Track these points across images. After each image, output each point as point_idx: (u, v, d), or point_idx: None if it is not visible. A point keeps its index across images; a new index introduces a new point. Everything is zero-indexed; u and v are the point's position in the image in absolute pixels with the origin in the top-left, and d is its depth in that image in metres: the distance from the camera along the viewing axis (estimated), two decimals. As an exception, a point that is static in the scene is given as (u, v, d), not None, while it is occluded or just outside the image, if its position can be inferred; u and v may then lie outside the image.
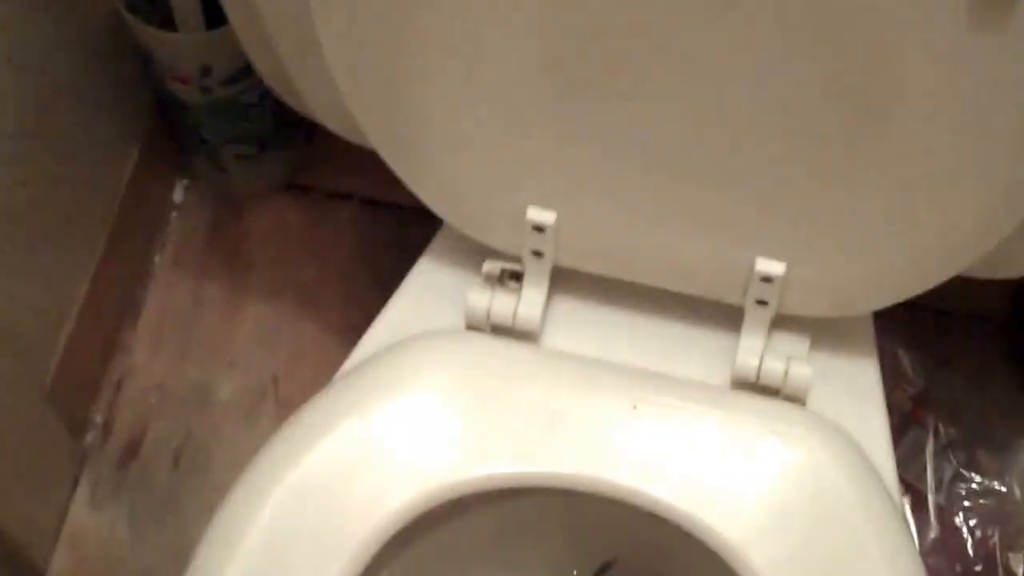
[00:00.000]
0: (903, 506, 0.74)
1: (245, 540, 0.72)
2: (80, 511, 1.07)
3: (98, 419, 1.10)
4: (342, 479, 0.73)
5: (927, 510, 1.01)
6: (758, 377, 0.75)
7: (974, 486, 1.02)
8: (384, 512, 0.73)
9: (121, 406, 1.10)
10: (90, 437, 1.10)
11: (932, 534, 1.00)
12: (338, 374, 0.78)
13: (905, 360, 1.03)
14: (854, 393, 0.77)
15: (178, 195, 1.17)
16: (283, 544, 0.72)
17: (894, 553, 0.72)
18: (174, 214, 1.16)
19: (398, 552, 0.79)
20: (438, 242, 0.81)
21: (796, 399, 0.75)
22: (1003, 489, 1.02)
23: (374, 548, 0.72)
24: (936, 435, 1.03)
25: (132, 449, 1.09)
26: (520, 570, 0.87)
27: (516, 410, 0.74)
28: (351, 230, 1.14)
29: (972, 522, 1.01)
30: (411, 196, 0.75)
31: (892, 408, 0.78)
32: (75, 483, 1.08)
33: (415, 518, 0.73)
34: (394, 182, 0.75)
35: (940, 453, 1.02)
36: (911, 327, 1.04)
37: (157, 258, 1.14)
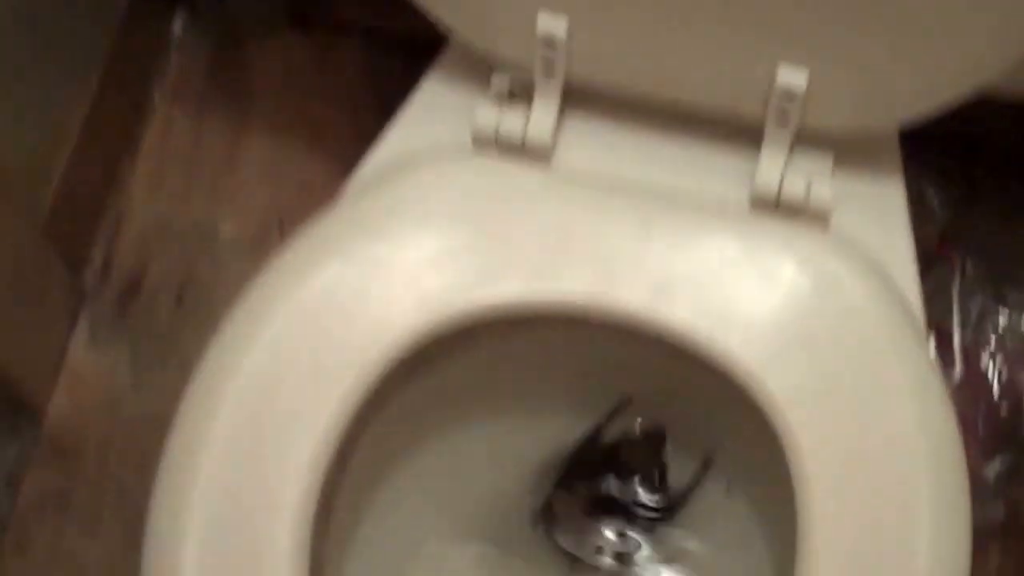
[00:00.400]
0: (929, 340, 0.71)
1: (247, 359, 0.70)
2: (79, 351, 1.05)
3: (97, 257, 1.07)
4: (346, 301, 0.71)
5: (952, 350, 0.98)
6: (778, 197, 0.71)
7: (1001, 325, 0.99)
8: (390, 336, 0.70)
9: (121, 244, 1.07)
10: (89, 276, 1.07)
11: (957, 375, 0.97)
12: (342, 195, 0.75)
13: (930, 195, 0.99)
14: (879, 217, 0.74)
15: (177, 28, 1.12)
16: (285, 365, 0.70)
17: (919, 381, 0.69)
18: (173, 47, 1.12)
19: (405, 384, 0.77)
20: (444, 60, 0.77)
21: (818, 221, 0.72)
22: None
23: (378, 373, 0.70)
24: (962, 272, 0.99)
25: (132, 288, 1.06)
26: (533, 409, 0.84)
27: (525, 233, 0.71)
28: (357, 62, 1.09)
29: (998, 362, 0.98)
30: (418, 23, 0.71)
31: (916, 245, 0.74)
32: (74, 323, 1.06)
33: (422, 344, 0.70)
34: (400, 8, 0.71)
35: (966, 291, 0.99)
36: (936, 161, 1.00)
37: (156, 93, 1.10)
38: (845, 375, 0.68)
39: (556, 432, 0.85)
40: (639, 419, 0.84)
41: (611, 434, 0.85)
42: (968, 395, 0.88)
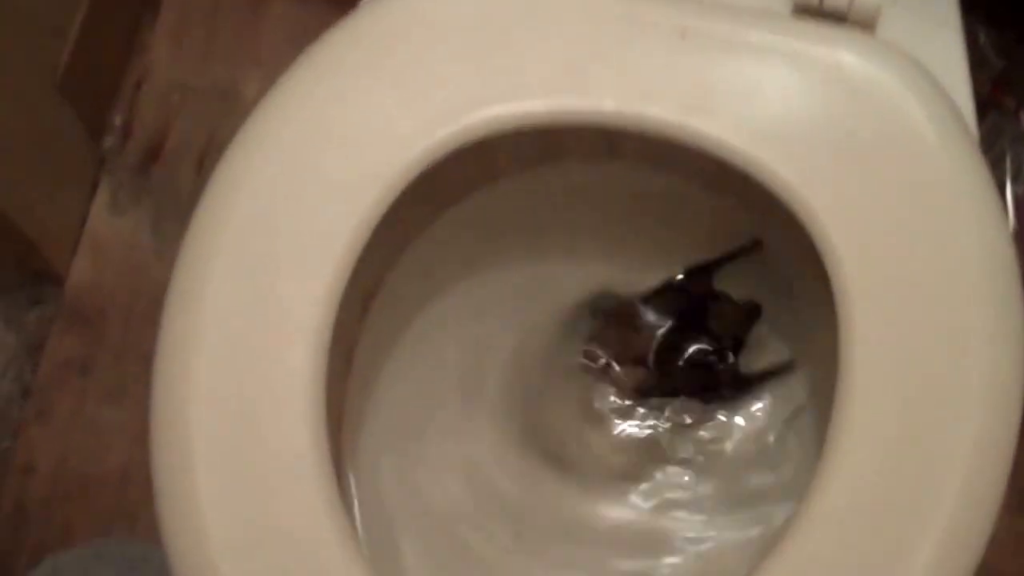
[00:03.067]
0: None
1: (259, 177, 0.65)
2: (100, 217, 1.02)
3: (117, 121, 1.04)
4: (360, 118, 0.66)
5: (1004, 200, 0.93)
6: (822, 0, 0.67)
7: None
8: (409, 150, 0.66)
9: (141, 107, 1.04)
10: (109, 140, 1.04)
11: (1009, 226, 0.92)
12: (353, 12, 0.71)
13: (983, 39, 0.95)
14: (929, 22, 0.69)
15: None
16: (297, 186, 0.65)
17: (972, 194, 0.64)
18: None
19: (430, 221, 0.74)
20: None
21: (865, 25, 0.67)
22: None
23: (398, 188, 0.65)
24: (1017, 121, 0.95)
25: (153, 152, 1.03)
26: (563, 248, 0.81)
27: (551, 45, 0.66)
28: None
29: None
30: None
31: (969, 84, 0.70)
32: (94, 188, 1.03)
33: (442, 158, 0.66)
34: None
35: (1020, 139, 0.94)
36: (988, 5, 0.95)
37: (176, -51, 1.07)
38: (893, 187, 0.63)
39: (587, 276, 0.81)
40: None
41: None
42: (1020, 247, 0.83)
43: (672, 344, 0.81)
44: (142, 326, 1.00)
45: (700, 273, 0.80)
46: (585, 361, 0.81)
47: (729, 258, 0.79)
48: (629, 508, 0.78)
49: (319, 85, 0.67)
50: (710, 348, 0.80)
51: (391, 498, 0.75)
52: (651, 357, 0.81)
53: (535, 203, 0.78)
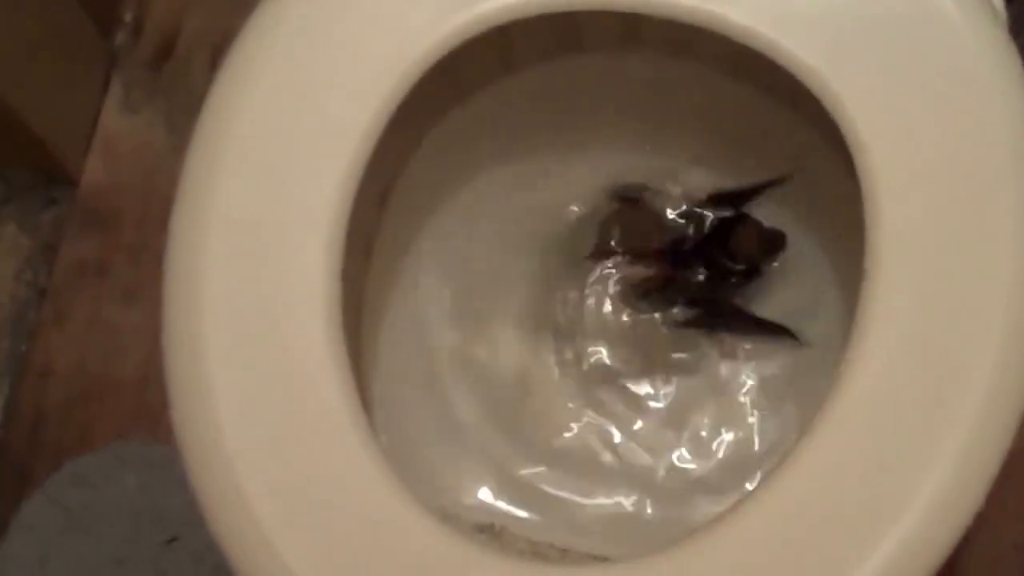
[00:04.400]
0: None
1: (268, 74, 0.64)
2: (112, 116, 1.00)
3: (127, 17, 1.02)
4: (370, 10, 0.64)
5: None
6: None
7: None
8: (422, 43, 0.63)
9: (152, 2, 1.02)
10: (120, 36, 1.02)
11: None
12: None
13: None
14: None
15: None
16: (309, 81, 0.63)
17: (1001, 76, 0.61)
18: None
19: (442, 112, 0.72)
20: None
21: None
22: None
23: (410, 82, 0.63)
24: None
25: (166, 49, 1.01)
26: (579, 152, 0.79)
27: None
28: None
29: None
30: None
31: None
32: (106, 87, 1.01)
33: (454, 47, 0.64)
34: None
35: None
36: None
37: None
38: (919, 72, 0.61)
39: (612, 166, 0.79)
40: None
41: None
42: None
43: (685, 252, 0.79)
44: (158, 226, 0.96)
45: (725, 200, 0.78)
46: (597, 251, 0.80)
47: (757, 190, 0.77)
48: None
49: None
50: (726, 267, 0.79)
51: (411, 397, 0.74)
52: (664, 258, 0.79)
53: (555, 94, 0.76)
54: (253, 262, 0.61)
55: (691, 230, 0.79)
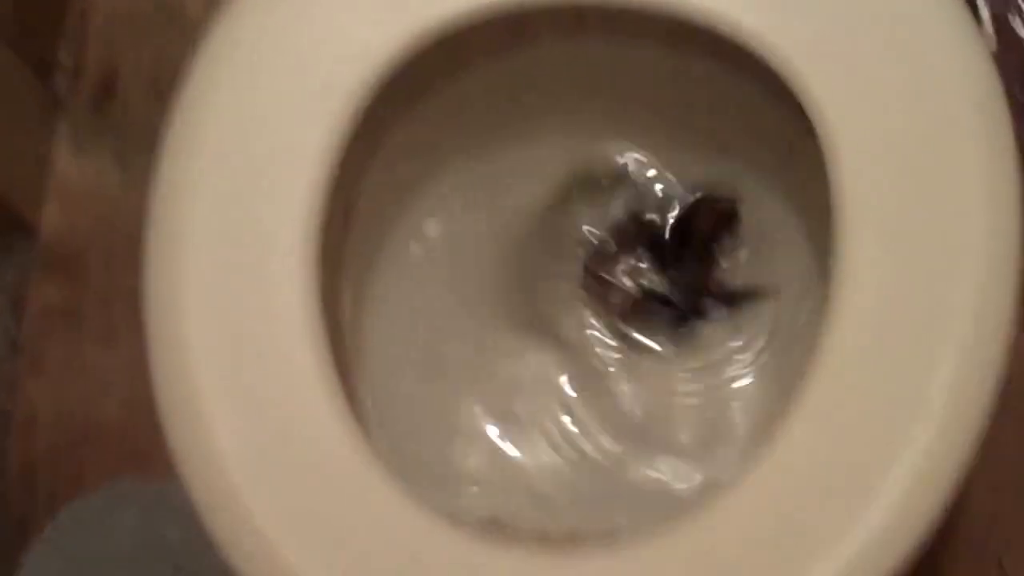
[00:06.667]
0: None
1: (222, 104, 0.65)
2: (63, 159, 1.00)
3: (65, 59, 1.01)
4: (318, 30, 0.65)
5: (980, 22, 0.91)
6: None
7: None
8: (372, 58, 0.65)
9: (88, 41, 1.01)
10: (61, 80, 1.01)
11: (990, 46, 0.90)
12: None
13: None
14: None
15: None
16: (261, 104, 0.65)
17: (950, 24, 0.63)
18: None
19: (397, 118, 0.72)
20: None
21: None
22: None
23: (365, 97, 0.64)
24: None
25: (107, 85, 1.01)
26: (532, 139, 0.79)
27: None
28: None
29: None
30: None
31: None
32: (53, 132, 1.00)
33: (406, 59, 0.65)
34: None
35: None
36: None
37: None
38: (866, 25, 0.62)
39: (572, 154, 0.80)
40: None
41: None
42: (1003, 63, 0.82)
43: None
44: (123, 264, 0.97)
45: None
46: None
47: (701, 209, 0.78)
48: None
49: (267, 7, 0.66)
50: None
51: (402, 405, 0.75)
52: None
53: (509, 88, 0.76)
54: (231, 294, 0.62)
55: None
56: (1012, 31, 0.92)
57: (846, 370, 0.58)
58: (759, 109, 0.71)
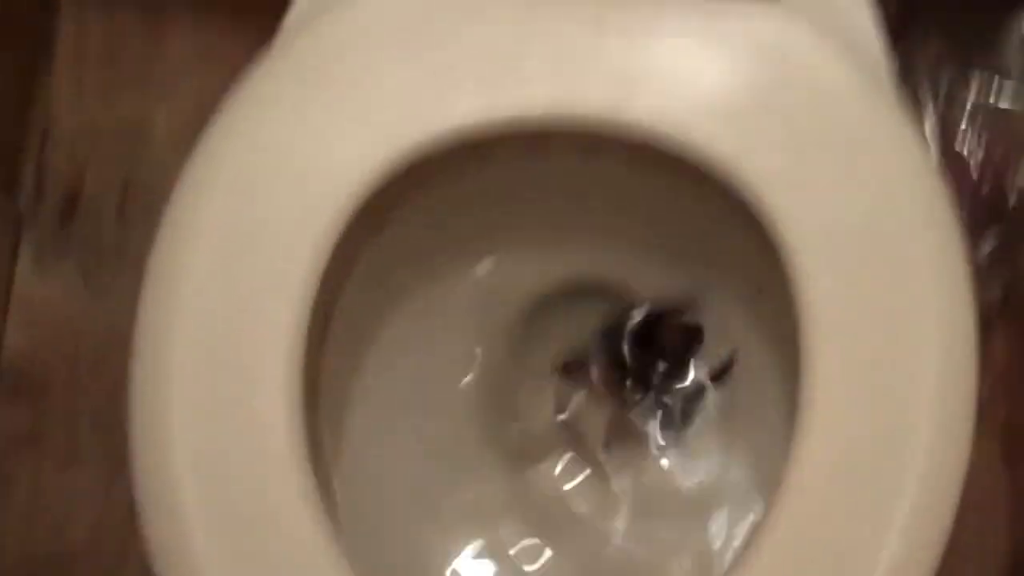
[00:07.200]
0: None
1: (201, 237, 0.64)
2: (26, 279, 0.99)
3: (28, 178, 1.01)
4: (299, 152, 0.65)
5: (923, 136, 0.93)
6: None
7: (971, 100, 0.93)
8: (349, 181, 0.65)
9: (50, 160, 1.01)
10: (22, 199, 1.00)
11: (934, 158, 0.91)
12: (273, 43, 0.69)
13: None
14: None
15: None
16: (243, 233, 0.65)
17: (900, 146, 0.65)
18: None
19: (367, 240, 0.72)
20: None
21: (772, -5, 0.67)
22: (1004, 105, 0.94)
23: (343, 220, 0.64)
24: (925, 43, 0.94)
25: (71, 203, 1.00)
26: (500, 253, 0.80)
27: (472, 45, 0.65)
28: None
29: (973, 140, 0.94)
30: None
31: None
32: (15, 251, 0.99)
33: (386, 181, 0.65)
34: None
35: (932, 68, 0.94)
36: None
37: (59, -8, 1.03)
38: (824, 149, 0.64)
39: (540, 269, 0.80)
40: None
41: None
42: (948, 177, 0.84)
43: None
44: (88, 385, 0.97)
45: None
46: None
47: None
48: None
49: (254, 124, 0.66)
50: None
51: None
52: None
53: (470, 204, 0.77)
54: (216, 417, 0.62)
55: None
56: (955, 149, 0.94)
57: (809, 506, 0.59)
58: (724, 229, 0.72)
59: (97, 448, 0.96)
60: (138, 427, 0.62)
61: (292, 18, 0.69)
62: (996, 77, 0.95)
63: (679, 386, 0.80)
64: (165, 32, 1.02)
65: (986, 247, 0.94)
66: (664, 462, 0.80)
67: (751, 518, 0.76)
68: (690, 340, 0.80)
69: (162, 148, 1.00)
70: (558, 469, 0.81)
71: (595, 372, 0.81)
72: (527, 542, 0.78)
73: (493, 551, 0.77)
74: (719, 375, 0.79)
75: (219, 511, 0.61)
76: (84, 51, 1.02)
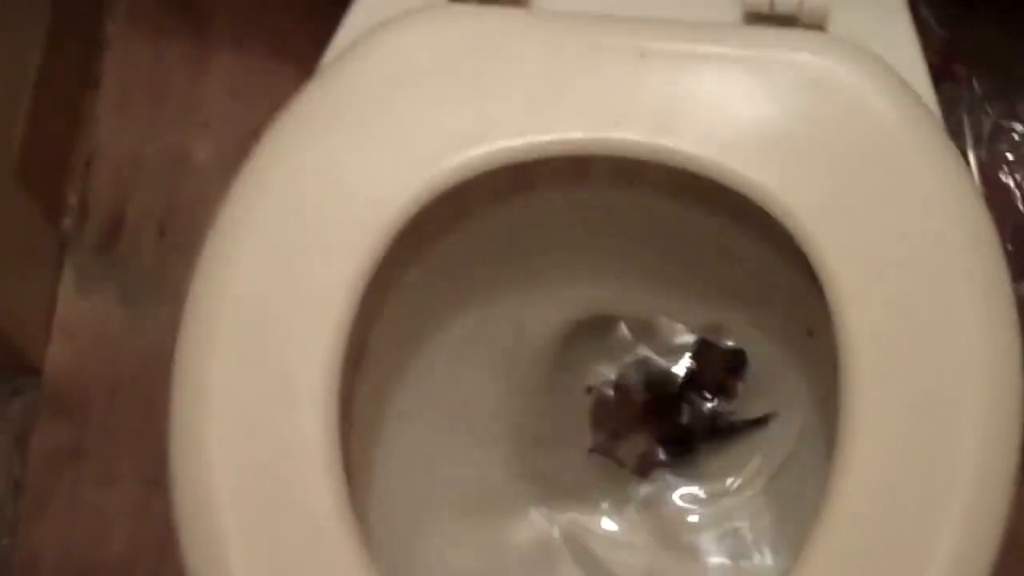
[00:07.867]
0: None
1: (242, 260, 0.66)
2: (69, 300, 1.02)
3: (73, 201, 1.03)
4: (336, 185, 0.66)
5: (969, 169, 0.94)
6: (771, 4, 0.67)
7: (1016, 137, 0.95)
8: (387, 209, 0.66)
9: (95, 185, 1.03)
10: (67, 221, 1.03)
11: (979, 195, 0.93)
12: (316, 73, 0.71)
13: (924, 11, 0.95)
14: (877, 10, 0.69)
15: (121, -45, 1.08)
16: (285, 262, 0.66)
17: (946, 178, 0.65)
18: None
19: (406, 266, 0.73)
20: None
21: (815, 26, 0.68)
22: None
23: (380, 249, 0.66)
24: (970, 87, 0.95)
25: (113, 228, 1.03)
26: (537, 283, 0.81)
27: (513, 79, 0.66)
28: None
29: (1018, 176, 0.95)
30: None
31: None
32: (59, 272, 1.02)
33: (425, 211, 0.66)
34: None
35: (977, 106, 0.95)
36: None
37: (109, 23, 1.06)
38: (867, 181, 0.64)
39: (575, 299, 0.81)
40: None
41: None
42: (993, 208, 0.85)
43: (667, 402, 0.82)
44: (127, 403, 0.99)
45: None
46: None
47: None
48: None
49: (296, 152, 0.67)
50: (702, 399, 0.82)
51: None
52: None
53: (510, 233, 0.78)
54: (254, 438, 0.63)
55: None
56: (999, 180, 0.95)
57: (849, 537, 0.59)
58: (765, 262, 0.73)
59: (134, 465, 0.98)
60: (177, 446, 0.63)
61: (331, 54, 0.70)
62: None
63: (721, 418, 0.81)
64: (208, 66, 1.05)
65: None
66: (692, 494, 0.81)
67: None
68: (736, 364, 0.80)
69: (203, 177, 1.02)
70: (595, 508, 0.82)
71: (638, 403, 0.82)
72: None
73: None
74: (752, 425, 0.80)
75: (256, 533, 0.61)
76: (130, 84, 1.05)
